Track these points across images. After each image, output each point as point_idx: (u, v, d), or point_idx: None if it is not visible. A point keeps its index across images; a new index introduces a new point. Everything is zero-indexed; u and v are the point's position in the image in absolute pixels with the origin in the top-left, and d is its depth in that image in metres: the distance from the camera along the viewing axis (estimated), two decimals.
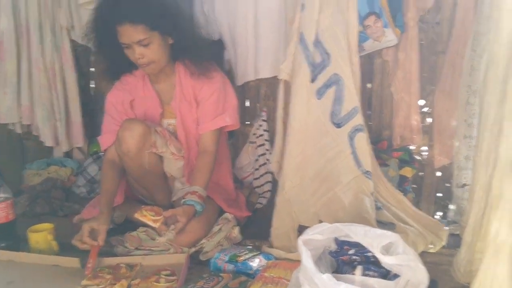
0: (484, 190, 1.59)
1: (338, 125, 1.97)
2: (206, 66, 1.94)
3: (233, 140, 2.35)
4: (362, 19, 2.00)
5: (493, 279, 1.42)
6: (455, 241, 1.89)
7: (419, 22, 2.11)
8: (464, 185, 2.03)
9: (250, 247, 1.84)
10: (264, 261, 1.69)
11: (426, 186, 2.27)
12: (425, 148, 2.24)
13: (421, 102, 2.21)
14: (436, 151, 2.18)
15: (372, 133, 2.11)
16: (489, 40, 1.63)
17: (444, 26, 2.10)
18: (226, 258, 1.70)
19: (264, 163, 2.26)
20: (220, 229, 1.90)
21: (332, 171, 1.99)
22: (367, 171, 1.96)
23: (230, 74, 2.26)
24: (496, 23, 1.54)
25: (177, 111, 1.98)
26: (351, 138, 1.97)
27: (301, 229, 1.76)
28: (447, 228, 1.99)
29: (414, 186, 2.25)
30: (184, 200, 1.84)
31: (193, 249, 1.83)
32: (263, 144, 2.28)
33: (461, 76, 1.99)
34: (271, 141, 2.23)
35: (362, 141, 1.98)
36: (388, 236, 1.48)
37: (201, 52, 1.93)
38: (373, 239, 1.47)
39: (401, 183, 2.15)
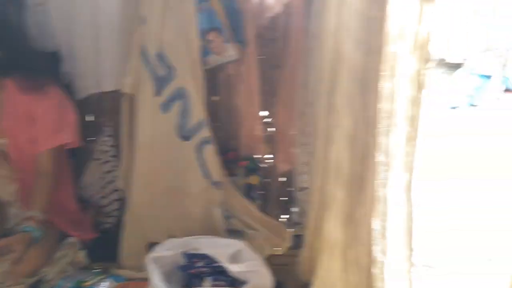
0: (319, 192, 1.74)
1: (186, 138, 1.99)
2: (40, 80, 1.80)
3: (76, 157, 2.22)
4: (204, 34, 2.05)
5: (329, 274, 1.55)
6: (299, 241, 2.03)
7: (258, 38, 2.23)
8: (304, 188, 2.19)
9: (98, 270, 1.75)
10: (113, 284, 1.63)
11: (272, 192, 2.40)
12: (269, 156, 2.36)
13: (264, 113, 2.33)
14: (279, 158, 2.32)
15: (220, 144, 2.17)
16: (317, 57, 1.79)
17: (280, 42, 2.25)
18: (71, 285, 1.60)
19: (111, 181, 2.17)
20: (63, 254, 1.78)
21: (181, 184, 2.00)
22: (216, 181, 2.01)
23: (69, 88, 2.13)
24: (321, 42, 1.70)
25: (7, 130, 1.81)
26: (199, 150, 2.01)
27: (153, 247, 1.74)
28: (291, 230, 2.14)
29: (262, 192, 2.37)
30: (20, 226, 1.69)
31: (33, 279, 1.68)
32: (109, 161, 2.19)
33: (297, 89, 2.17)
34: (119, 157, 2.16)
35: (210, 152, 2.03)
36: (234, 244, 1.55)
37: (33, 65, 1.79)
38: (220, 249, 1.52)
39: (248, 191, 2.25)
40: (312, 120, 1.95)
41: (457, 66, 7.46)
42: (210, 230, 1.91)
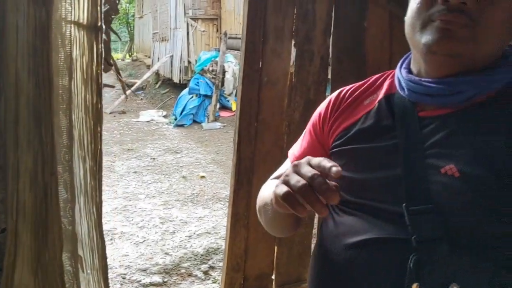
0: (12, 235, 1.55)
1: None
2: None
3: None
4: None
5: None
6: None
7: None
8: (4, 230, 1.93)
9: None
10: None
11: None
12: None
13: None
14: None
15: None
16: (3, 82, 1.60)
17: None
18: None
19: None
20: None
21: None
22: None
23: None
24: (5, 66, 1.53)
25: None
26: None
27: None
28: None
29: None
30: None
31: None
32: None
33: None
34: None
35: None
36: None
37: None
38: None
39: None
40: (3, 153, 1.73)
41: (182, 86, 7.97)
42: None
